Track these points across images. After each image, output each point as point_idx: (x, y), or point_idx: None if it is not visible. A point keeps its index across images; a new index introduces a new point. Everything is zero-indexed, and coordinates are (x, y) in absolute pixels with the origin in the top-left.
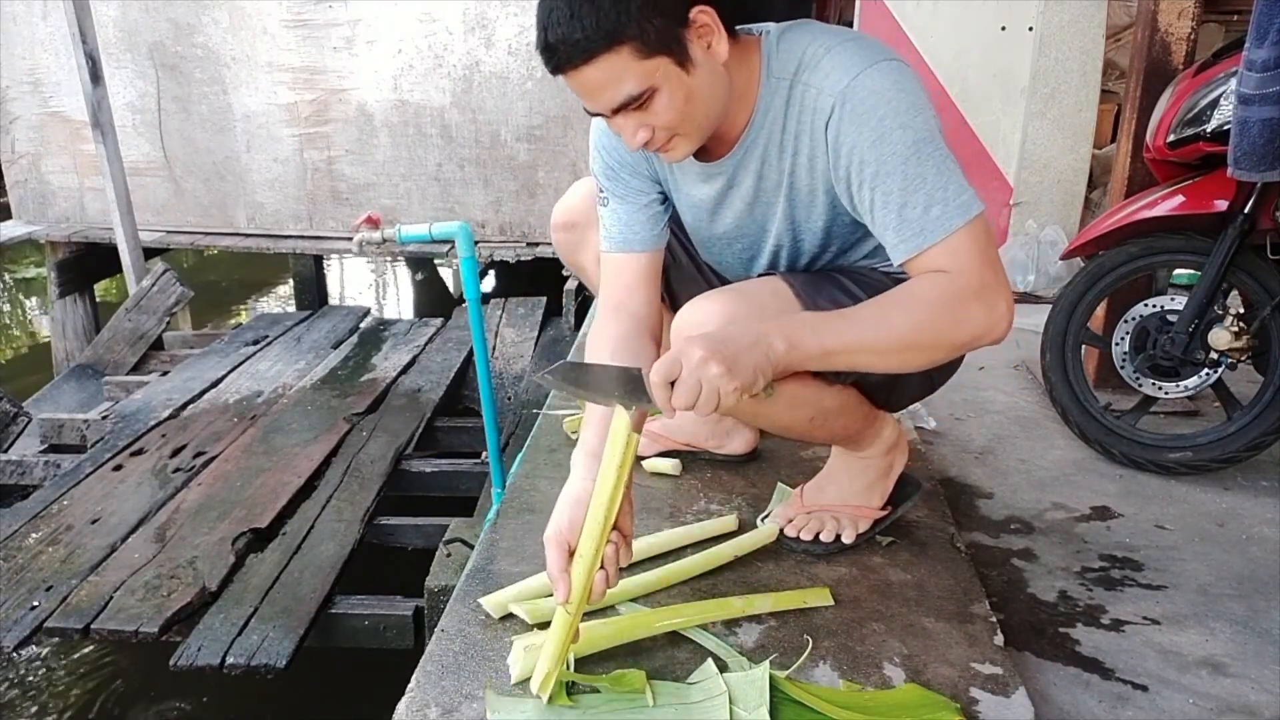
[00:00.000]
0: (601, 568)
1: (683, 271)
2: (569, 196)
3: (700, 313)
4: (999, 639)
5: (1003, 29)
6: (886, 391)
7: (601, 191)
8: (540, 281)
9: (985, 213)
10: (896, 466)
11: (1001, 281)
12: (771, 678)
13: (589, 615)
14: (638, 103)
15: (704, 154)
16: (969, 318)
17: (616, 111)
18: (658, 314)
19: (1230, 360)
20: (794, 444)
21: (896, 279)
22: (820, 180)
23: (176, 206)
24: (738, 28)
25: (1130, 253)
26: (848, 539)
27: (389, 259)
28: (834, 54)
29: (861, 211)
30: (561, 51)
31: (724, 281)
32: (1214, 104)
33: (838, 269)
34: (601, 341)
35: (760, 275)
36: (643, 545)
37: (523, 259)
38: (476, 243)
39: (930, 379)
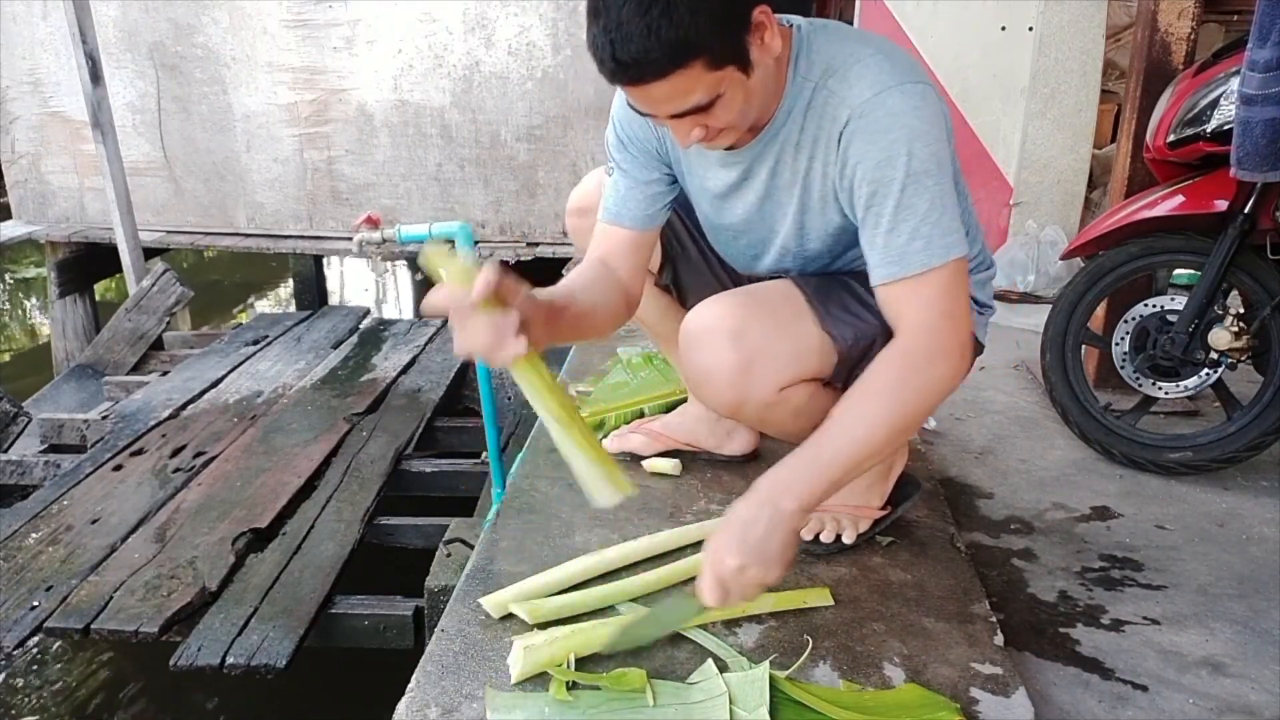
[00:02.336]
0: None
1: (691, 264)
2: (585, 183)
3: (711, 315)
4: (999, 639)
5: (1003, 29)
6: None
7: (610, 161)
8: (540, 282)
9: (964, 258)
10: (897, 467)
11: (955, 331)
12: (771, 678)
13: (589, 616)
14: (701, 110)
15: None
16: (931, 381)
17: (676, 117)
18: (639, 284)
19: (1230, 360)
20: (795, 445)
21: None
22: (831, 188)
23: (176, 206)
24: None
25: (1130, 253)
26: (848, 539)
27: (389, 262)
28: (863, 65)
29: (857, 225)
30: (633, 69)
31: (732, 275)
32: (1214, 104)
33: (846, 273)
34: (573, 276)
35: (770, 277)
36: (643, 545)
37: (523, 259)
38: (476, 243)
39: None
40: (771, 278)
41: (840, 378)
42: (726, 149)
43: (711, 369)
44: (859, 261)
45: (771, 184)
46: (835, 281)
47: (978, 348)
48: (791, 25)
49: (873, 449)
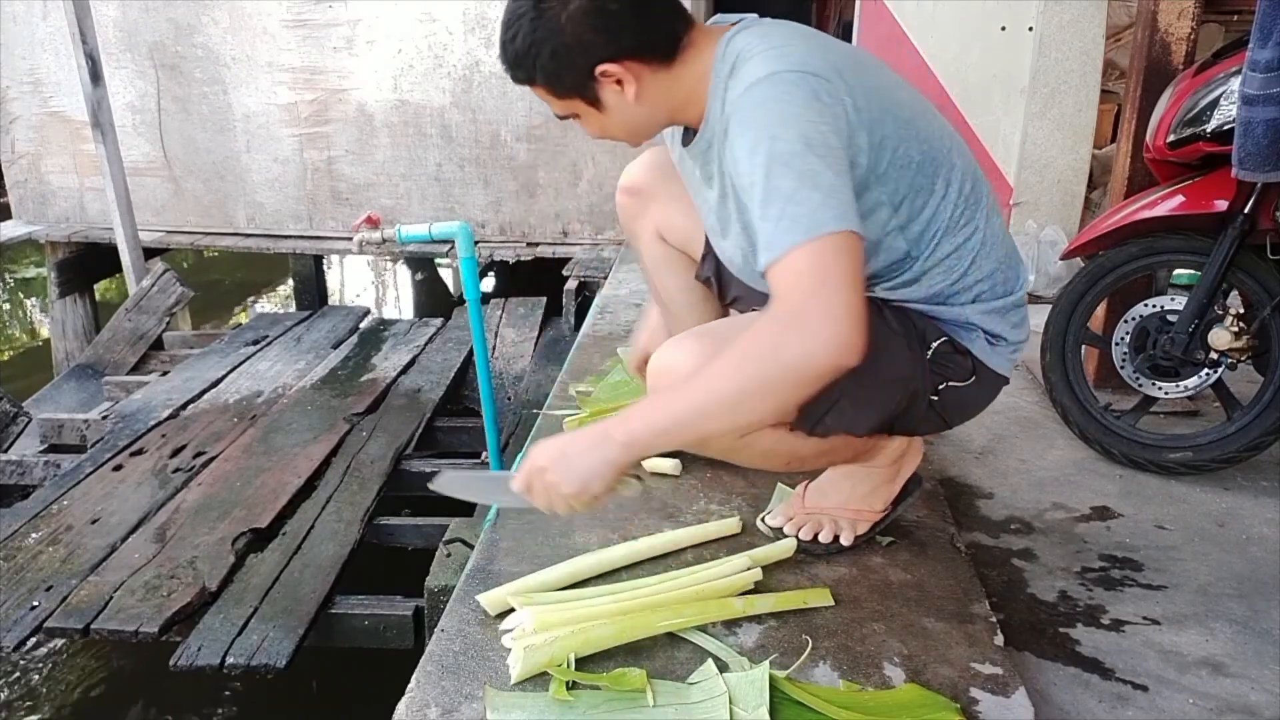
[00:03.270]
0: None
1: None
2: (636, 163)
3: (673, 359)
4: (999, 639)
5: (1003, 29)
6: (889, 428)
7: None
8: (540, 281)
9: (845, 234)
10: (904, 472)
11: (822, 308)
12: (771, 678)
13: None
14: (570, 118)
15: (687, 134)
16: (788, 355)
17: (563, 119)
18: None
19: (1230, 360)
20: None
21: (892, 303)
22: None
23: (176, 206)
24: (715, 18)
25: (1130, 253)
26: (845, 541)
27: (389, 260)
28: (753, 60)
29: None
30: (507, 72)
31: None
32: (1214, 104)
33: None
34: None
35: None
36: (643, 546)
37: (523, 259)
38: (476, 243)
39: (944, 418)
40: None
41: (803, 428)
42: (687, 143)
43: None
44: None
45: (722, 185)
46: None
47: (996, 378)
48: (731, 25)
49: (709, 415)
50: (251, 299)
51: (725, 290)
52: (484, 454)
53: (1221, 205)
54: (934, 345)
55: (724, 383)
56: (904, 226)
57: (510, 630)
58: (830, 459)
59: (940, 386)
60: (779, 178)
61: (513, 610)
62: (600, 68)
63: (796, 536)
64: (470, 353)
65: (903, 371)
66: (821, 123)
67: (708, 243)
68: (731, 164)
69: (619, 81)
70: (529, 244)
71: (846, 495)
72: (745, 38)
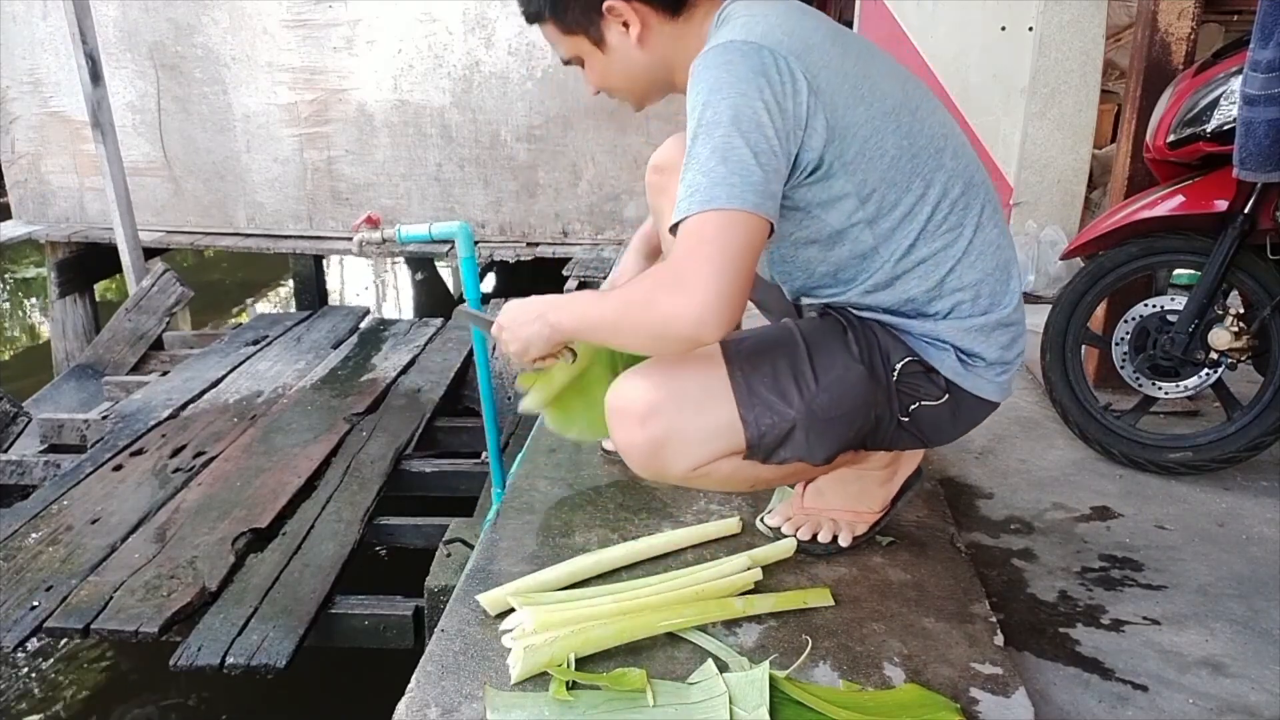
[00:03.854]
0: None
1: None
2: (669, 141)
3: (627, 395)
4: (999, 639)
5: (1003, 29)
6: (860, 446)
7: None
8: (540, 281)
9: (739, 213)
10: (901, 473)
11: (697, 274)
12: (771, 678)
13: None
14: (576, 63)
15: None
16: (658, 305)
17: (567, 63)
18: None
19: (1230, 360)
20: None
21: (862, 319)
22: None
23: (176, 206)
24: None
25: (1130, 253)
26: (844, 542)
27: (389, 260)
28: (724, 27)
29: None
30: (522, 13)
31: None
32: (1214, 104)
33: (809, 329)
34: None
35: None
36: (643, 546)
37: (523, 259)
38: (476, 243)
39: (919, 437)
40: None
41: (757, 458)
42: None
43: (624, 448)
44: (821, 269)
45: None
46: (787, 342)
47: (975, 400)
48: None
49: (597, 329)
50: (251, 299)
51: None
52: (484, 454)
53: (1221, 205)
54: (898, 366)
55: (610, 313)
56: (872, 221)
57: (510, 630)
58: (798, 477)
59: (911, 407)
60: (699, 145)
61: (513, 610)
62: (608, 3)
63: (796, 537)
64: (470, 353)
65: (860, 400)
66: (758, 98)
67: None
68: None
69: (625, 24)
70: (529, 244)
71: (844, 496)
72: (736, 6)
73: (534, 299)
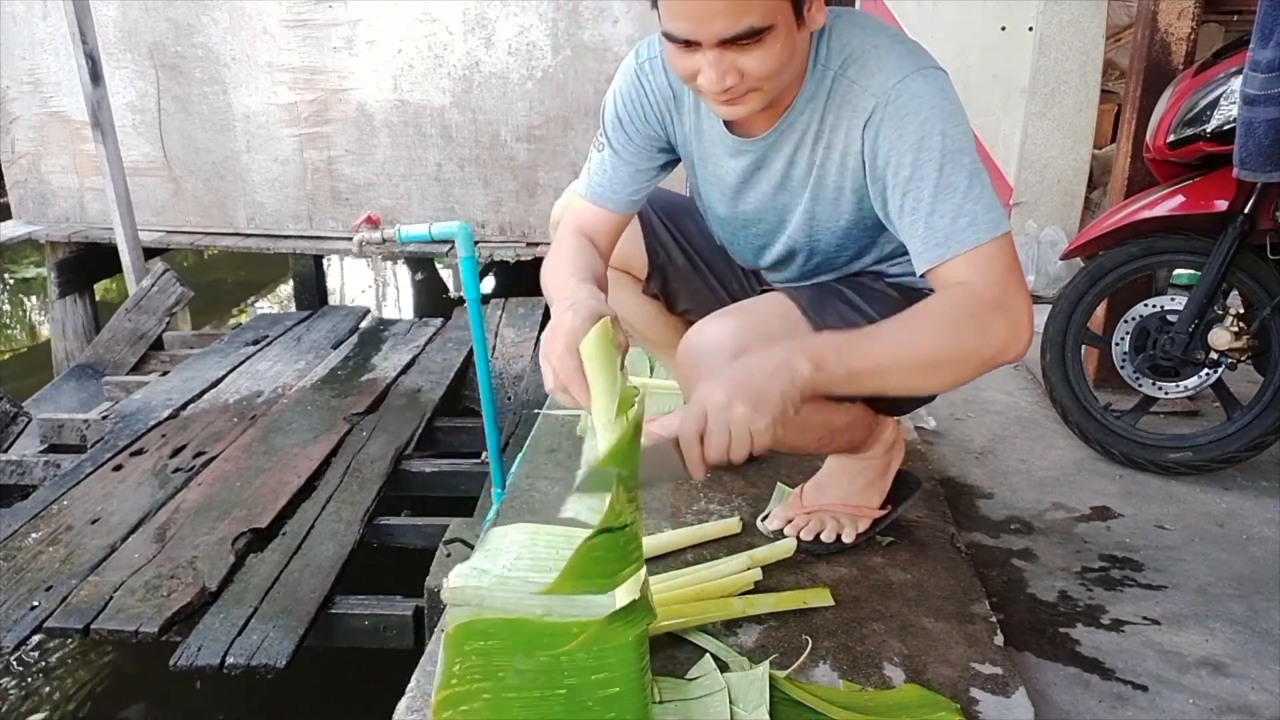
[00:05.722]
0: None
1: (680, 272)
2: (566, 195)
3: (708, 336)
4: (999, 639)
5: (1003, 29)
6: (890, 400)
7: (603, 138)
8: (540, 281)
9: (1010, 234)
10: (894, 465)
11: (1023, 295)
12: (771, 677)
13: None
14: (750, 39)
15: (738, 127)
16: (993, 330)
17: (725, 44)
18: (608, 258)
19: (1230, 360)
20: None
21: (905, 291)
22: (849, 180)
23: (176, 206)
24: None
25: (1130, 253)
26: (848, 538)
27: (389, 260)
28: (881, 54)
29: (891, 216)
30: None
31: (722, 281)
32: (1214, 104)
33: (844, 281)
34: (584, 256)
35: (771, 268)
36: (642, 546)
37: (523, 259)
38: (476, 243)
39: None
40: (774, 266)
41: None
42: (739, 136)
43: None
44: (863, 260)
45: (787, 174)
46: (829, 291)
47: None
48: None
49: (903, 370)
50: (251, 299)
51: (674, 302)
52: (484, 454)
53: (1221, 205)
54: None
55: (926, 341)
56: None
57: None
58: (850, 435)
59: None
60: (953, 174)
61: None
62: None
63: (797, 537)
64: (470, 353)
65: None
66: (967, 121)
67: (652, 260)
68: (861, 158)
69: (815, 7)
70: (529, 244)
71: (844, 490)
72: (846, 28)
73: (739, 363)
